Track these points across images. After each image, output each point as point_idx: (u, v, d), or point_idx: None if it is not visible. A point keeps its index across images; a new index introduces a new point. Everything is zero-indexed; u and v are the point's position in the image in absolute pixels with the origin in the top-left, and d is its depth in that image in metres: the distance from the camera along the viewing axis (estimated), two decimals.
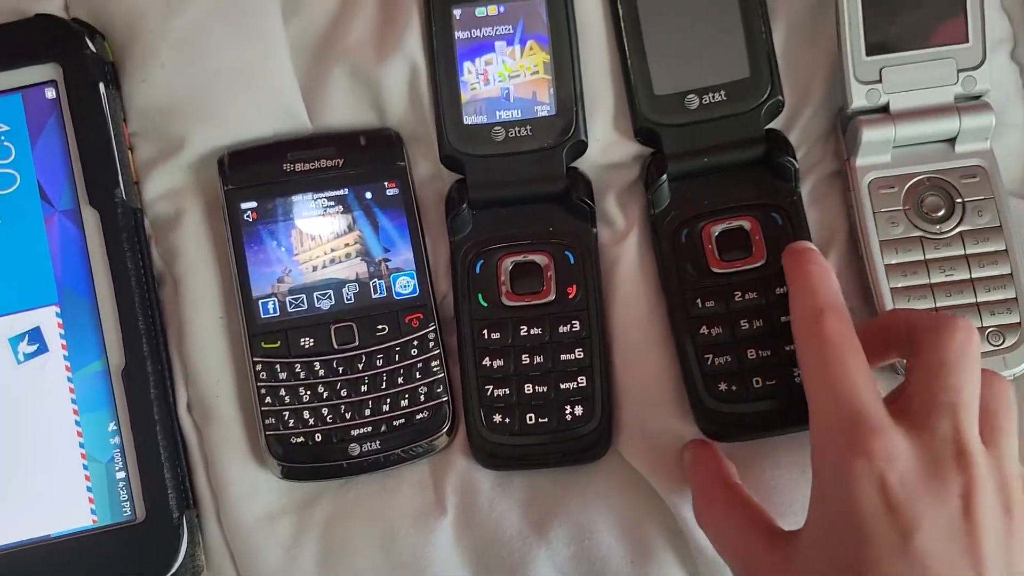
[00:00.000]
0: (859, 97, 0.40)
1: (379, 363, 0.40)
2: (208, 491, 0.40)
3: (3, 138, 0.41)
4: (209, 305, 0.41)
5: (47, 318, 0.40)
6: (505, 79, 0.41)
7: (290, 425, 0.39)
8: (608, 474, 0.40)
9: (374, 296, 0.41)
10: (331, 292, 0.40)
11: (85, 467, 0.39)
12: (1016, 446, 0.32)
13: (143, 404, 0.39)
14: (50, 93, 0.41)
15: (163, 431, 0.39)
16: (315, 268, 0.41)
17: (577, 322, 0.40)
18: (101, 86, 0.41)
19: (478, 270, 0.41)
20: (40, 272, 0.40)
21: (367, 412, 0.40)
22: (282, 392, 0.39)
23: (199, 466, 0.40)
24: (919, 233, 0.40)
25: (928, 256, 0.39)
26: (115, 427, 0.39)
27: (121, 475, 0.39)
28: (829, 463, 0.31)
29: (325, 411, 0.39)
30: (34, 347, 0.40)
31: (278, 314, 0.40)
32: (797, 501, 0.38)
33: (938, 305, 0.39)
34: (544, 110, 0.41)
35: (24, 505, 0.39)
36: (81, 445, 0.39)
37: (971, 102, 0.40)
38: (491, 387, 0.40)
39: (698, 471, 0.37)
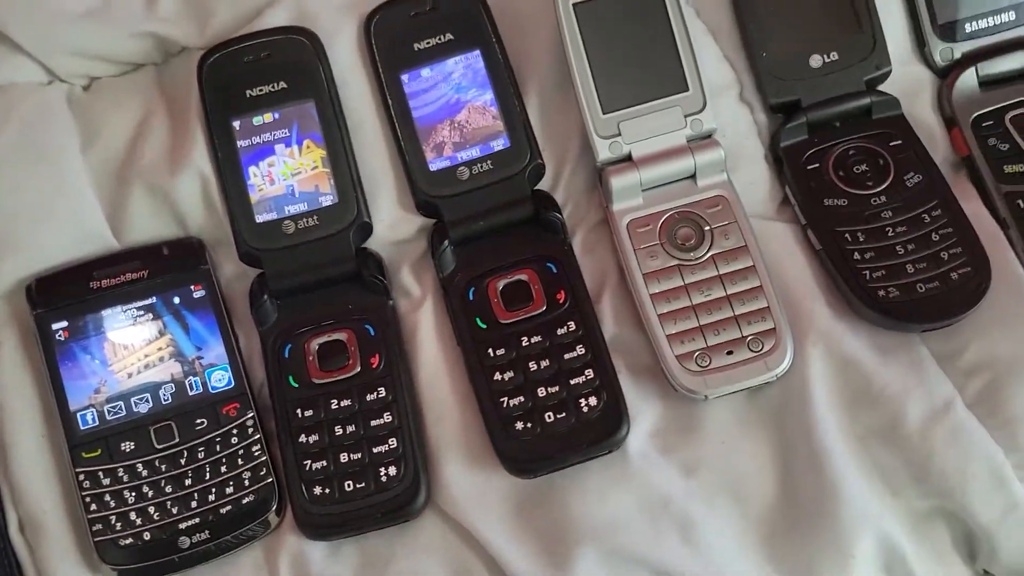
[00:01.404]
0: (604, 151, 0.45)
1: (201, 455, 0.42)
2: None
3: None
4: (30, 425, 0.43)
5: None
6: (288, 177, 0.45)
7: (118, 529, 0.41)
8: (432, 528, 0.43)
9: (191, 393, 0.43)
10: (148, 395, 0.43)
11: None
12: None
13: None
14: None
15: None
16: (130, 375, 0.43)
17: (383, 388, 0.43)
18: None
19: (287, 354, 0.44)
20: None
21: (193, 504, 0.42)
22: (107, 498, 0.41)
23: None
24: (676, 262, 0.44)
25: (687, 281, 0.44)
26: None
27: None
28: None
29: (151, 509, 0.41)
30: None
31: (97, 423, 0.42)
32: (601, 526, 0.41)
33: (701, 323, 0.43)
34: (328, 200, 0.45)
35: None
36: None
37: (702, 141, 0.45)
38: (309, 461, 0.42)
39: None
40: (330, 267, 0.44)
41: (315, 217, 0.45)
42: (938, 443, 0.41)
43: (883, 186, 0.45)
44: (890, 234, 0.44)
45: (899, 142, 0.46)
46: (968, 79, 0.47)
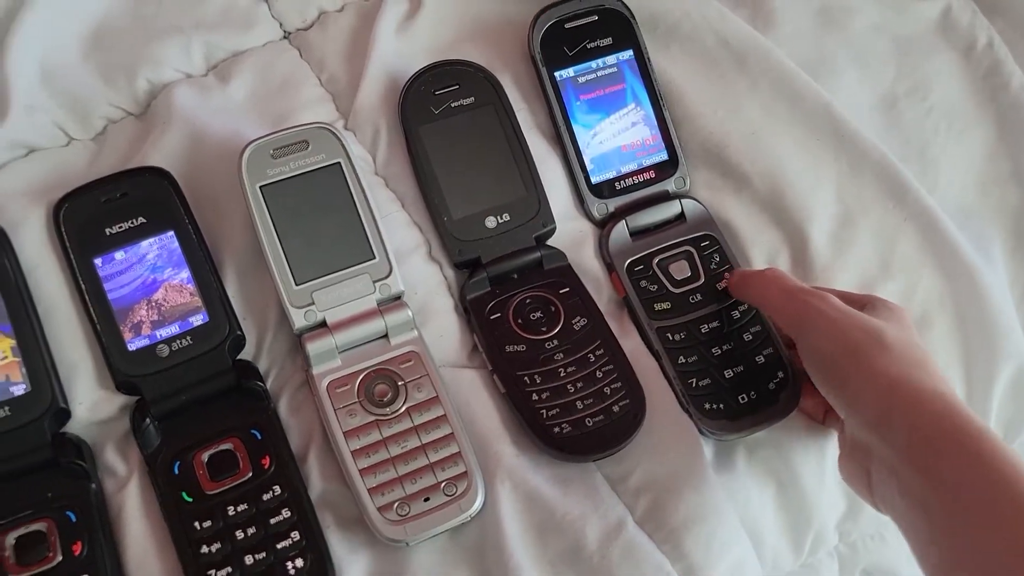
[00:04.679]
0: (299, 319, 0.48)
1: None
2: None
3: None
4: None
5: None
6: None
7: None
8: None
9: None
10: None
11: None
12: None
13: None
14: None
15: None
16: None
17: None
18: None
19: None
20: None
21: None
22: None
23: None
24: (374, 418, 0.47)
25: (384, 435, 0.47)
26: None
27: None
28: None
29: None
30: None
31: None
32: None
33: (399, 474, 0.46)
34: (19, 390, 0.45)
35: None
36: None
37: (391, 303, 0.49)
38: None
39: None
40: (23, 457, 0.44)
41: (6, 408, 0.44)
42: (615, 561, 0.47)
43: (555, 331, 0.51)
44: (562, 374, 0.50)
45: (567, 289, 0.53)
46: (620, 230, 0.55)
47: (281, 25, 0.58)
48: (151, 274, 0.47)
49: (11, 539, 0.43)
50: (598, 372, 0.50)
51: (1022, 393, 0.57)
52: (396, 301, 0.49)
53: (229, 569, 0.43)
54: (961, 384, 0.57)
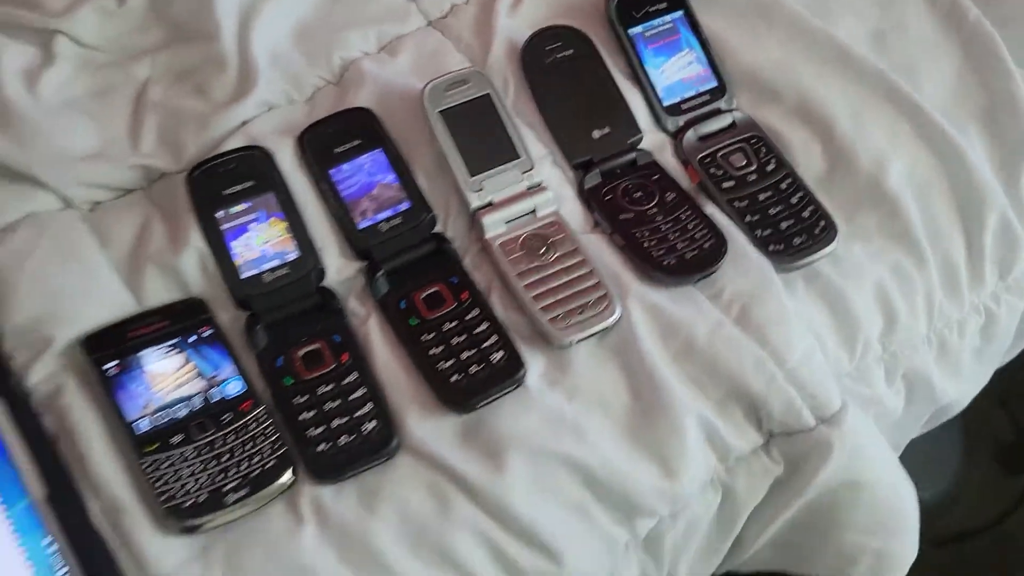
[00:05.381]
0: (475, 200, 0.67)
1: (231, 439, 0.58)
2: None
3: None
4: (97, 436, 0.57)
5: None
6: (262, 243, 0.64)
7: (178, 497, 0.56)
8: (406, 463, 0.60)
9: (214, 400, 0.59)
10: (184, 405, 0.59)
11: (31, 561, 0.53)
12: None
13: (68, 521, 0.54)
14: None
15: (87, 534, 0.54)
16: (169, 392, 0.59)
17: (355, 372, 0.61)
18: None
19: (280, 363, 0.61)
20: None
21: (232, 473, 0.57)
22: (167, 476, 0.56)
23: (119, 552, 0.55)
24: (535, 264, 0.66)
25: (544, 274, 0.66)
26: (50, 541, 0.54)
27: (63, 572, 0.53)
28: None
29: (203, 479, 0.56)
30: None
31: (150, 428, 0.58)
32: (521, 437, 0.60)
33: (558, 297, 0.64)
34: (292, 256, 0.64)
35: None
36: (28, 559, 0.53)
37: (535, 189, 0.69)
38: (310, 430, 0.59)
39: None
40: (299, 302, 0.63)
41: (285, 269, 0.64)
42: (720, 350, 0.65)
43: (653, 202, 0.70)
44: (663, 229, 0.69)
45: (657, 176, 0.72)
46: (691, 136, 0.74)
47: (425, 16, 0.79)
48: (368, 177, 0.67)
49: (299, 354, 0.62)
50: (689, 224, 0.69)
51: (1008, 235, 0.75)
52: (538, 187, 0.69)
53: (452, 362, 0.61)
54: (960, 234, 0.74)
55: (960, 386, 0.78)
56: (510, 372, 0.62)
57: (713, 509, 0.66)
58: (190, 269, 0.63)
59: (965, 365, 0.77)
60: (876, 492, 0.68)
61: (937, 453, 1.57)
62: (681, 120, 0.76)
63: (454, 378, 0.61)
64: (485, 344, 0.62)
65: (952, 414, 0.83)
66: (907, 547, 0.72)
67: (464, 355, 0.62)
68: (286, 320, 0.63)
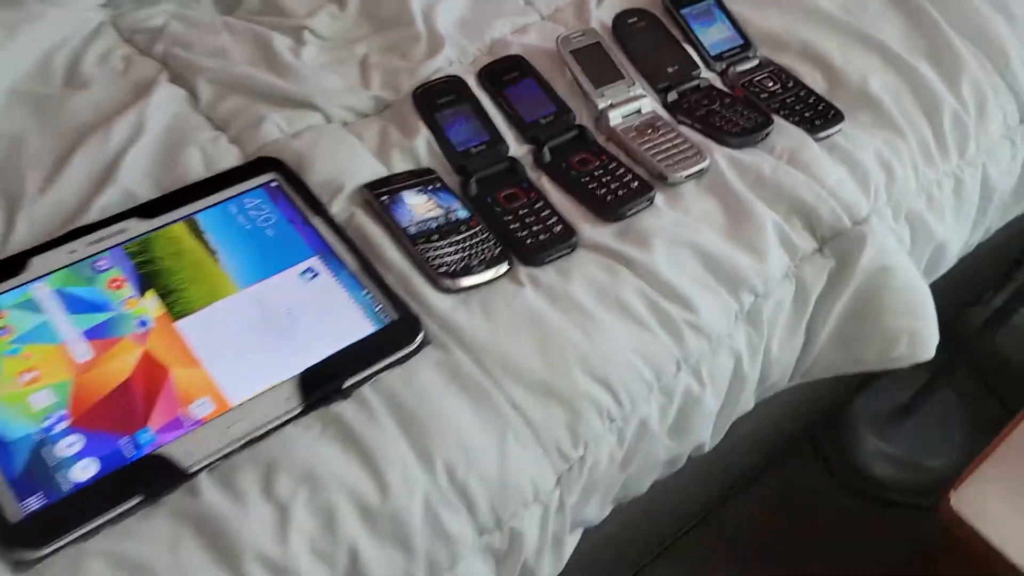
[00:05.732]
0: (601, 103, 0.99)
1: (469, 240, 0.87)
2: (422, 310, 0.82)
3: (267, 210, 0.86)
4: (383, 238, 0.86)
5: (315, 263, 0.83)
6: (467, 131, 0.95)
7: (441, 266, 0.84)
8: (586, 258, 0.89)
9: (452, 220, 0.88)
10: (433, 220, 0.88)
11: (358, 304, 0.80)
12: None
13: (378, 282, 0.82)
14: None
15: (387, 291, 0.82)
16: (423, 214, 0.88)
17: (541, 201, 0.91)
18: None
19: (489, 201, 0.91)
20: (298, 244, 0.83)
21: (473, 257, 0.85)
22: (434, 257, 0.84)
23: (409, 302, 0.82)
24: (646, 139, 0.97)
25: (653, 142, 0.97)
26: (367, 292, 0.81)
27: (378, 308, 0.80)
28: None
29: (455, 257, 0.85)
30: (313, 274, 0.82)
31: (416, 231, 0.86)
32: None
33: (666, 153, 0.95)
34: (486, 138, 0.95)
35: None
36: (356, 303, 0.80)
37: (637, 96, 1.01)
38: (517, 232, 0.88)
39: None
40: (495, 166, 0.94)
41: (483, 146, 0.94)
42: (781, 180, 0.95)
43: (716, 104, 1.03)
44: (726, 115, 1.01)
45: (716, 92, 1.05)
46: (732, 72, 1.08)
47: (539, 13, 1.14)
48: (527, 93, 0.99)
49: (501, 195, 0.91)
50: (744, 111, 1.01)
51: (959, 126, 1.07)
52: (640, 95, 1.01)
53: (601, 191, 0.91)
54: (927, 125, 1.07)
55: (947, 229, 1.08)
56: (643, 191, 0.92)
57: (791, 294, 0.94)
58: (421, 150, 0.94)
59: (948, 215, 1.08)
60: (903, 276, 0.97)
61: (947, 434, 1.85)
62: (723, 64, 1.10)
63: (608, 198, 0.91)
64: (624, 179, 0.93)
65: (945, 261, 1.13)
66: (932, 328, 1.00)
67: (612, 186, 0.92)
68: (488, 177, 0.93)
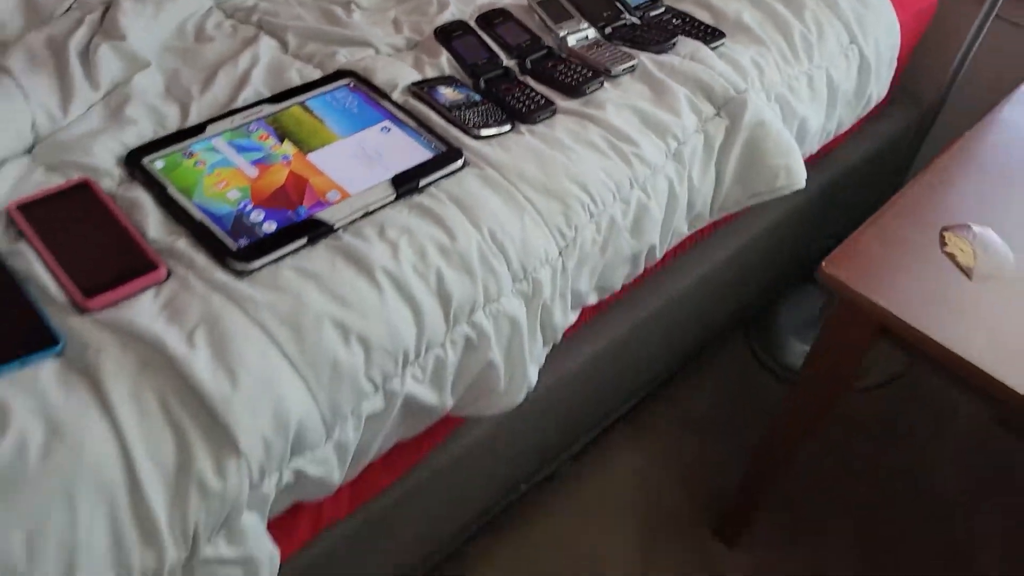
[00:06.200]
0: (561, 32, 1.46)
1: (485, 109, 1.31)
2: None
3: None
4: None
5: (388, 123, 1.26)
6: (475, 49, 1.41)
7: (469, 123, 1.28)
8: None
9: (472, 100, 1.32)
10: (461, 100, 1.32)
11: (419, 143, 1.23)
12: None
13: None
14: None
15: (436, 131, 1.25)
16: (452, 95, 1.32)
17: (532, 89, 1.36)
18: None
19: (495, 92, 1.36)
20: (374, 114, 1.27)
21: (489, 118, 1.29)
22: (465, 115, 1.29)
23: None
24: (595, 52, 1.44)
25: (598, 56, 1.43)
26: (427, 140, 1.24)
27: (424, 140, 1.24)
28: None
29: (478, 118, 1.29)
30: (387, 129, 1.25)
31: (448, 105, 1.30)
32: None
33: (607, 59, 1.42)
34: (488, 55, 1.41)
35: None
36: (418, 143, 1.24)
37: (582, 28, 1.48)
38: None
39: None
40: (495, 71, 1.39)
41: (485, 60, 1.40)
42: (686, 68, 1.42)
43: (666, 36, 1.50)
44: (661, 32, 1.48)
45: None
46: (647, 15, 1.56)
47: None
48: (517, 28, 1.45)
49: (503, 87, 1.36)
50: (658, 34, 1.49)
51: (805, 40, 1.57)
52: (588, 28, 1.48)
53: (569, 79, 1.37)
54: (783, 39, 1.56)
55: (806, 109, 1.55)
56: (596, 77, 1.37)
57: (702, 143, 1.40)
58: (444, 63, 1.39)
59: (805, 99, 1.56)
60: (775, 128, 1.44)
61: None
62: (640, 12, 1.58)
63: (573, 84, 1.36)
64: (583, 72, 1.38)
65: (808, 136, 1.60)
66: (800, 163, 1.46)
67: (575, 76, 1.38)
68: (491, 79, 1.38)
